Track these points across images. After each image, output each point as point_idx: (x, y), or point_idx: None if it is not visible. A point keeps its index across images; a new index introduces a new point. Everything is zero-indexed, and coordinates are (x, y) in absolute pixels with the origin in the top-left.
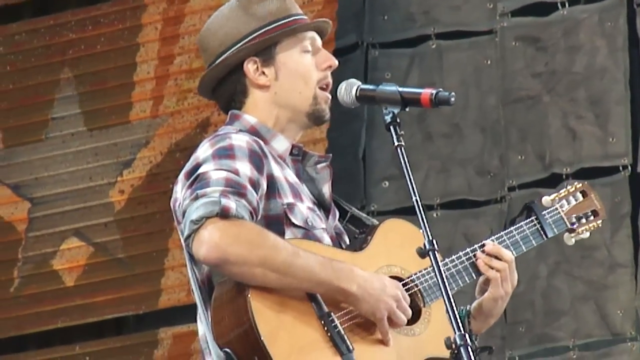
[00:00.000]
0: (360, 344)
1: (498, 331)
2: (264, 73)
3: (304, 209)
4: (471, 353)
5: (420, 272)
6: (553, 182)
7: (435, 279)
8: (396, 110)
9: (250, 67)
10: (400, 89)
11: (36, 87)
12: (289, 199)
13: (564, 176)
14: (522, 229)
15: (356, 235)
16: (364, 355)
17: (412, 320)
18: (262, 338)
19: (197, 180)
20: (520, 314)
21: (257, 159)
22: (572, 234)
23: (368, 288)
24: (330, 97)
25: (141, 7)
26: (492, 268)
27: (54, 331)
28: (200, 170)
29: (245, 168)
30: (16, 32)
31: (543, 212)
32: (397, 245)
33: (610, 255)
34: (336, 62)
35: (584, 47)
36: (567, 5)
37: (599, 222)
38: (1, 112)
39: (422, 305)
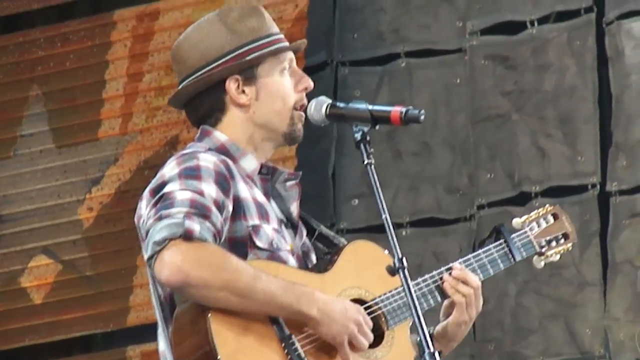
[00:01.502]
0: None
1: (467, 349)
2: (244, 92)
3: (269, 231)
4: None
5: (384, 294)
6: (522, 200)
7: (399, 301)
8: (366, 128)
9: (232, 85)
10: (370, 107)
11: (4, 104)
12: (254, 220)
13: (533, 194)
14: (490, 252)
15: (322, 255)
16: None
17: (375, 344)
18: None
19: (161, 199)
20: (489, 332)
21: (223, 181)
22: (542, 257)
23: (328, 312)
24: (304, 116)
25: (110, 25)
26: (458, 292)
27: (22, 349)
28: (166, 190)
29: (210, 189)
30: None
31: (512, 236)
32: (363, 267)
33: (579, 274)
34: (312, 84)
35: (553, 65)
36: (536, 24)
37: (569, 245)
38: None
39: (385, 328)
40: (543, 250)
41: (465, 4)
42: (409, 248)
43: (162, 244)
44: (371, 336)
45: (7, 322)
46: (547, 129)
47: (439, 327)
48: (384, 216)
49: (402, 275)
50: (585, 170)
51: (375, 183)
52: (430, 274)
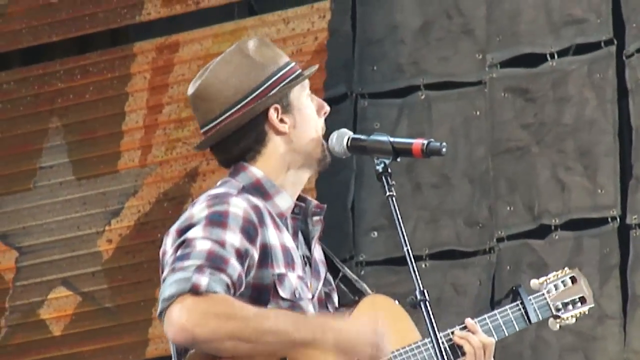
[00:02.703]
0: None
1: None
2: (283, 120)
3: (293, 279)
4: None
5: (399, 351)
6: (542, 233)
7: (414, 357)
8: (387, 161)
9: (273, 114)
10: (392, 139)
11: (24, 136)
12: (280, 269)
13: (552, 227)
14: (505, 312)
15: (339, 307)
16: None
17: None
18: None
19: (182, 245)
20: None
21: (251, 228)
22: (557, 320)
23: (343, 338)
24: None
25: (130, 57)
26: (468, 343)
27: None
28: (189, 235)
29: (234, 239)
30: (5, 81)
31: (529, 297)
32: (379, 322)
33: (599, 307)
34: (328, 108)
35: (573, 98)
36: (556, 56)
37: (586, 309)
38: None
39: None
40: (559, 313)
41: (485, 36)
42: (428, 281)
43: (170, 300)
44: None
45: (27, 354)
46: (567, 162)
47: None
48: (405, 249)
49: (423, 308)
50: (605, 203)
51: (397, 215)
52: (444, 332)
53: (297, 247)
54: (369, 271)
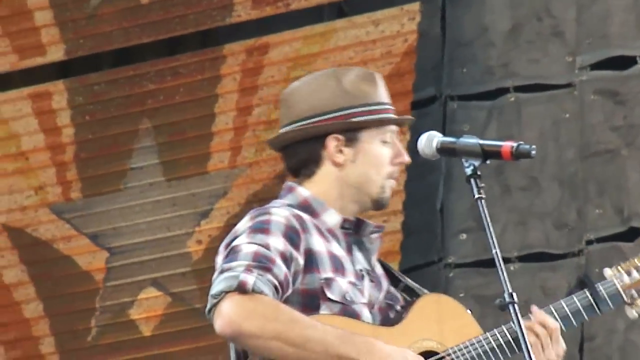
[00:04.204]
0: None
1: None
2: (342, 151)
3: (343, 284)
4: None
5: (458, 345)
6: (632, 236)
7: (473, 352)
8: (477, 163)
9: (332, 142)
10: (481, 142)
11: (115, 137)
12: (328, 273)
13: None
14: (572, 301)
15: (399, 309)
16: None
17: None
18: None
19: (229, 252)
20: None
21: (294, 234)
22: (634, 308)
23: None
24: (394, 184)
25: (220, 59)
26: (532, 332)
27: None
28: (234, 243)
29: (277, 243)
30: (96, 82)
31: (597, 285)
32: (435, 319)
33: None
34: (408, 159)
35: None
36: None
37: None
38: (80, 161)
39: None
40: (634, 300)
41: (575, 39)
42: (517, 283)
43: (218, 297)
44: None
45: (117, 354)
46: None
47: None
48: (494, 251)
49: (512, 310)
50: None
51: (486, 217)
52: (508, 325)
53: (353, 261)
54: (457, 273)
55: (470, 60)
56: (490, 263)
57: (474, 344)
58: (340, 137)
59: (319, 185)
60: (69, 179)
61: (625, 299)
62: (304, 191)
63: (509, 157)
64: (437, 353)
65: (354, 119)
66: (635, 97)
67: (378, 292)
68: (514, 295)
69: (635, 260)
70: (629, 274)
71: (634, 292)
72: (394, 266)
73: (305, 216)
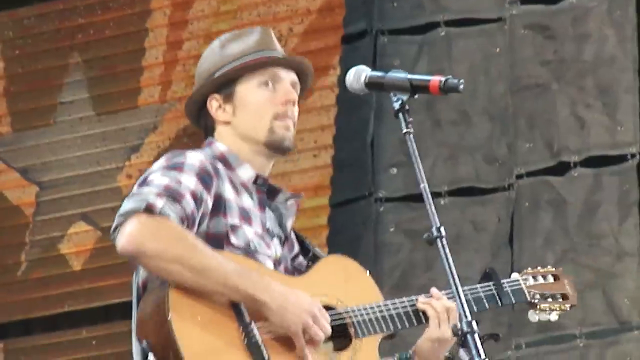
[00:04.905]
0: (280, 357)
1: (504, 319)
2: (224, 109)
3: (249, 233)
4: (477, 340)
5: (357, 307)
6: (561, 170)
7: (372, 315)
8: (405, 97)
9: (212, 104)
10: (410, 76)
11: (45, 72)
12: (234, 220)
13: (572, 164)
14: (476, 290)
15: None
16: None
17: (340, 349)
18: (175, 333)
19: (142, 183)
20: None
21: (206, 177)
22: (536, 311)
23: (282, 301)
24: (292, 123)
25: None
26: (431, 307)
27: (61, 315)
28: (148, 177)
29: (189, 181)
30: (25, 17)
31: (503, 281)
32: (338, 279)
33: (618, 244)
34: (294, 96)
35: (593, 35)
36: None
37: (568, 306)
38: (10, 95)
39: (354, 336)
40: (535, 301)
41: None
42: (447, 217)
43: (125, 216)
44: (328, 330)
45: (47, 289)
46: (586, 99)
47: (415, 347)
48: (422, 185)
49: (440, 245)
50: (625, 140)
51: (414, 152)
52: (409, 298)
53: (263, 218)
54: (388, 207)
55: None
56: (420, 197)
57: (373, 307)
58: (217, 96)
59: (227, 142)
60: None
61: (528, 297)
62: (221, 146)
63: (437, 91)
64: (334, 308)
65: (217, 74)
66: (565, 32)
67: (287, 253)
68: (442, 229)
69: (543, 269)
70: (534, 278)
71: (536, 293)
72: (324, 200)
73: (221, 166)
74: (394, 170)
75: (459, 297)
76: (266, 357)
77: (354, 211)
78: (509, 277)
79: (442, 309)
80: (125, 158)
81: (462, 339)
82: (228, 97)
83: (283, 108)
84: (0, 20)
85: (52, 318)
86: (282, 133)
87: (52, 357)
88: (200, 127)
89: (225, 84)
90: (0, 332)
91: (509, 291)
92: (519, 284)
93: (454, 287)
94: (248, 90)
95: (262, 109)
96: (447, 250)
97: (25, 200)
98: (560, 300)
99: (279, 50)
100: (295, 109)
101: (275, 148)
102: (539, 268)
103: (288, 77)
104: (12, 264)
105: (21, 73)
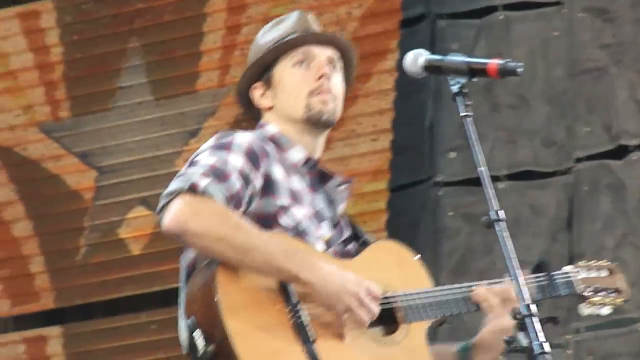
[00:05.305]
0: (327, 339)
1: (564, 302)
2: (266, 96)
3: (299, 214)
4: (536, 323)
5: (406, 292)
6: (620, 153)
7: (421, 301)
8: (463, 81)
9: (255, 93)
10: (468, 59)
11: (103, 57)
12: (284, 201)
13: (630, 148)
14: (528, 281)
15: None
16: (328, 349)
17: (388, 333)
18: (222, 312)
19: (189, 164)
20: None
21: (255, 157)
22: (588, 304)
23: (327, 281)
24: (331, 97)
25: None
26: (486, 300)
27: (120, 299)
28: (196, 158)
29: (237, 161)
30: (84, 1)
31: (555, 273)
32: (387, 264)
33: None
34: (327, 70)
35: None
36: None
37: (621, 300)
38: (69, 81)
39: (402, 322)
40: (586, 294)
41: None
42: (506, 201)
43: (170, 196)
44: (375, 313)
45: (106, 273)
46: None
47: (476, 338)
48: (480, 169)
49: (498, 228)
50: None
51: (473, 136)
52: (459, 285)
53: (314, 200)
54: (446, 191)
55: None
56: (479, 181)
57: (422, 293)
58: (258, 84)
59: (278, 126)
60: (58, 98)
61: (577, 290)
62: (271, 128)
63: (496, 74)
64: (383, 293)
65: (258, 62)
66: (624, 15)
67: (337, 237)
68: (500, 213)
69: (597, 262)
70: (587, 271)
71: (588, 287)
72: (383, 185)
73: (271, 148)
74: (453, 154)
75: (518, 282)
76: (312, 338)
77: (413, 195)
78: (568, 261)
79: (499, 302)
80: (184, 143)
81: (521, 322)
82: (267, 83)
83: (317, 83)
84: (59, 5)
85: (111, 302)
86: (319, 107)
87: (112, 341)
88: (252, 117)
89: (263, 70)
90: (59, 316)
91: (560, 283)
92: (570, 277)
93: (512, 271)
94: (284, 72)
95: (297, 87)
96: (506, 234)
97: (85, 185)
98: (614, 294)
99: (315, 30)
100: (335, 82)
101: (314, 123)
102: (593, 262)
103: (323, 53)
104: (71, 249)
105: (80, 58)
